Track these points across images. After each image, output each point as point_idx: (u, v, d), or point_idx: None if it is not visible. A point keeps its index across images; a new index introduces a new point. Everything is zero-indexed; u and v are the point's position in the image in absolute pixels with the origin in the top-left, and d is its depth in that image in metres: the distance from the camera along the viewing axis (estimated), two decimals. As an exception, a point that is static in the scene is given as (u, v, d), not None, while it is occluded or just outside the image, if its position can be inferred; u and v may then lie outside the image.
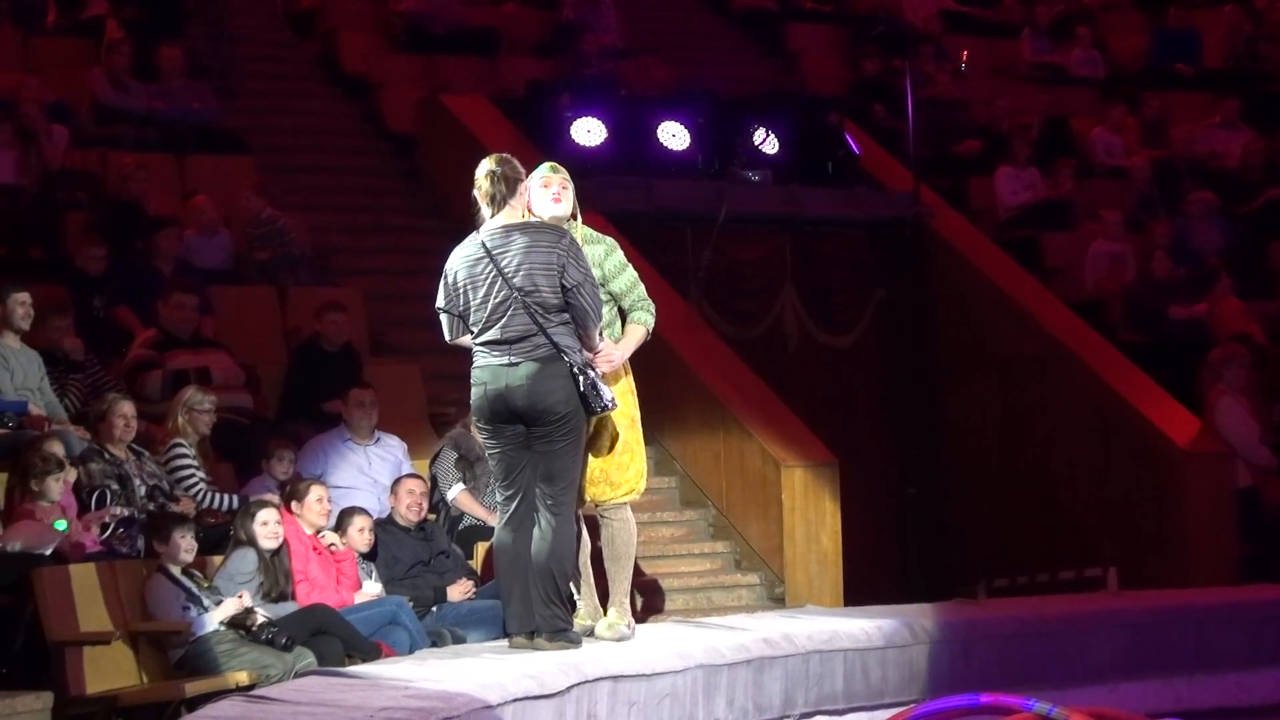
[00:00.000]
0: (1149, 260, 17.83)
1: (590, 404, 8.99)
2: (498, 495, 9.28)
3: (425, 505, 12.01)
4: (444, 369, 14.25)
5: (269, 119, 18.27)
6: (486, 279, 9.01)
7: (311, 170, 17.53)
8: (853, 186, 17.91)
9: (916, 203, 17.87)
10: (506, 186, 9.19)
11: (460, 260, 9.14)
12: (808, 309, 17.31)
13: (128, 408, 11.44)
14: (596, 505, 9.51)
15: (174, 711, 9.81)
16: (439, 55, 19.51)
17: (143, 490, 11.26)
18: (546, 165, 9.57)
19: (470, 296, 9.04)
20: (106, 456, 11.23)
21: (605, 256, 9.46)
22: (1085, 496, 16.33)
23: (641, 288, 9.52)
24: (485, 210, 9.19)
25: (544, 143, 16.76)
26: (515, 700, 7.89)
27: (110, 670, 10.10)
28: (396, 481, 12.08)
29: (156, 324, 13.42)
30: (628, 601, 9.56)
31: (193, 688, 9.95)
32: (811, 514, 14.20)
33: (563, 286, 8.97)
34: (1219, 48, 22.77)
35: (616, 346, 9.36)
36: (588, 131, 16.80)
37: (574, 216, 9.51)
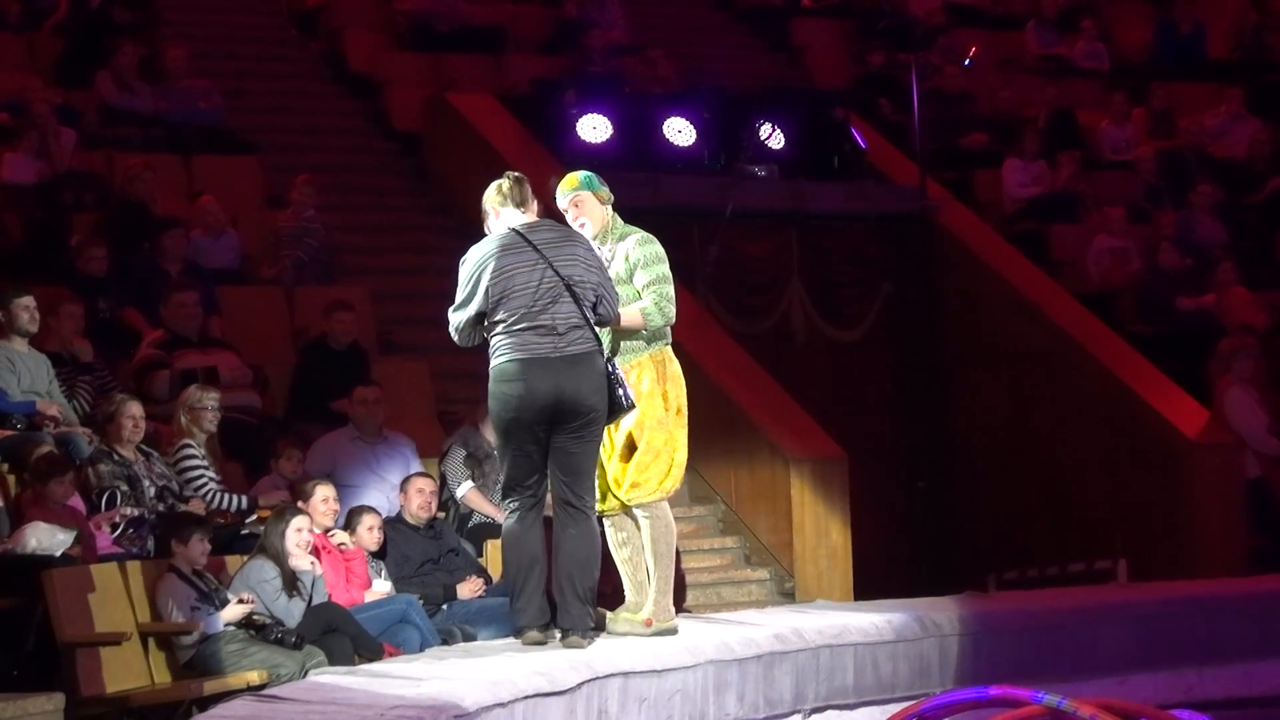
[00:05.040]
0: (1156, 251, 17.82)
1: (617, 403, 8.99)
2: (512, 495, 9.11)
3: (434, 503, 12.02)
4: (452, 367, 14.28)
5: (275, 118, 18.30)
6: (528, 266, 8.89)
7: (318, 169, 17.48)
8: (859, 181, 17.91)
9: (923, 196, 17.87)
10: (527, 192, 9.15)
11: (490, 252, 8.96)
12: (815, 303, 17.32)
13: (136, 409, 11.45)
14: (632, 505, 9.43)
15: (185, 711, 9.83)
16: (444, 53, 19.52)
17: (152, 491, 11.28)
18: (558, 191, 9.54)
19: (509, 284, 8.86)
20: (115, 458, 11.24)
21: (639, 245, 9.41)
22: (1094, 488, 16.32)
23: (667, 288, 9.37)
24: (506, 210, 9.11)
25: (550, 140, 16.81)
26: (526, 698, 7.90)
27: (121, 671, 10.11)
28: (405, 480, 12.08)
29: (163, 325, 13.44)
30: (665, 600, 9.46)
31: (204, 687, 9.98)
32: (820, 508, 14.20)
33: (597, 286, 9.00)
34: (1224, 38, 22.75)
35: None
36: (594, 128, 16.82)
37: (607, 202, 9.49)
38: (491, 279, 8.91)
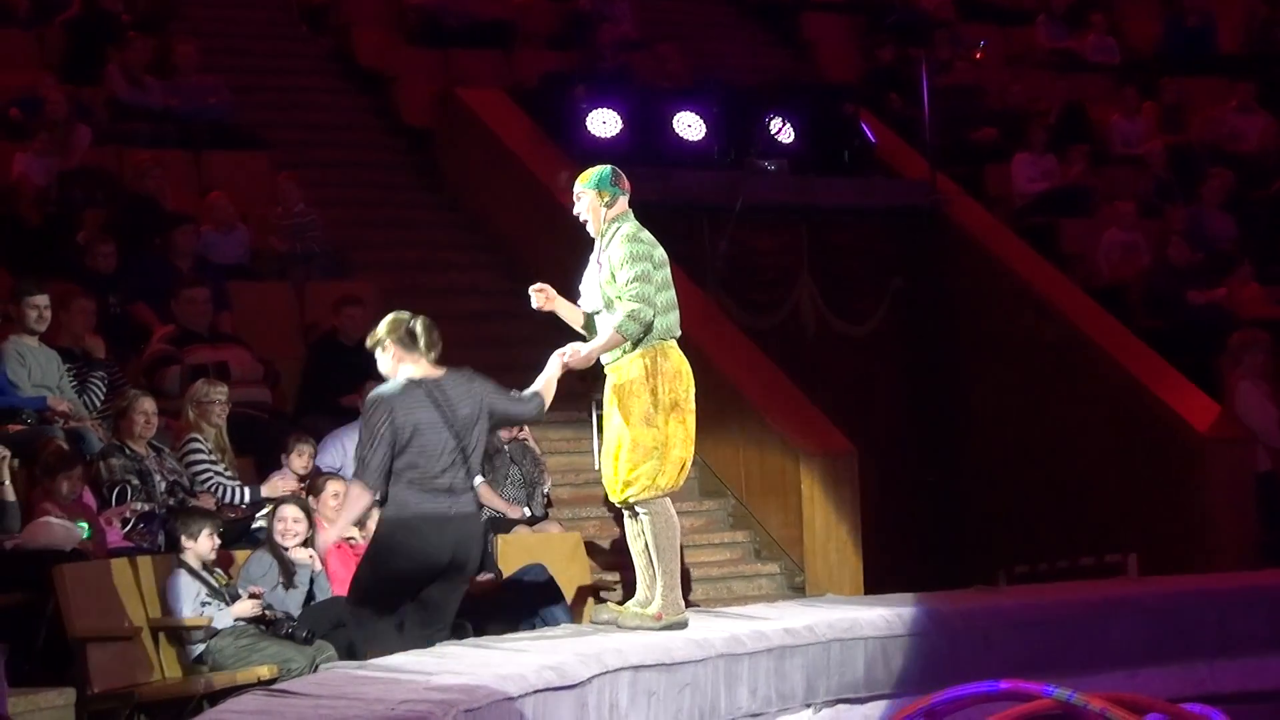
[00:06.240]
0: (1166, 246, 17.80)
1: (488, 557, 9.13)
2: (379, 621, 9.04)
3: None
4: (462, 363, 14.24)
5: (285, 114, 18.31)
6: (434, 426, 8.88)
7: (327, 165, 17.55)
8: (869, 175, 17.91)
9: (933, 191, 17.86)
10: (436, 338, 9.10)
11: (399, 405, 8.90)
12: (825, 298, 17.31)
13: (148, 404, 11.47)
14: (624, 503, 9.41)
15: (195, 706, 9.84)
16: (454, 48, 19.53)
17: (163, 486, 11.30)
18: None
19: (414, 441, 8.84)
20: (127, 452, 11.27)
21: (621, 242, 9.29)
22: (1105, 483, 16.30)
23: (643, 289, 9.16)
24: (412, 355, 9.04)
25: (560, 135, 16.81)
26: (536, 692, 7.89)
27: (131, 666, 10.14)
28: (415, 475, 12.07)
29: (173, 320, 13.47)
30: (673, 594, 9.42)
31: (214, 682, 9.99)
32: (831, 503, 14.20)
33: (494, 423, 9.18)
34: (1234, 32, 22.73)
35: (584, 345, 9.30)
36: (603, 123, 16.81)
37: (610, 205, 9.41)
38: (399, 432, 8.84)
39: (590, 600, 12.12)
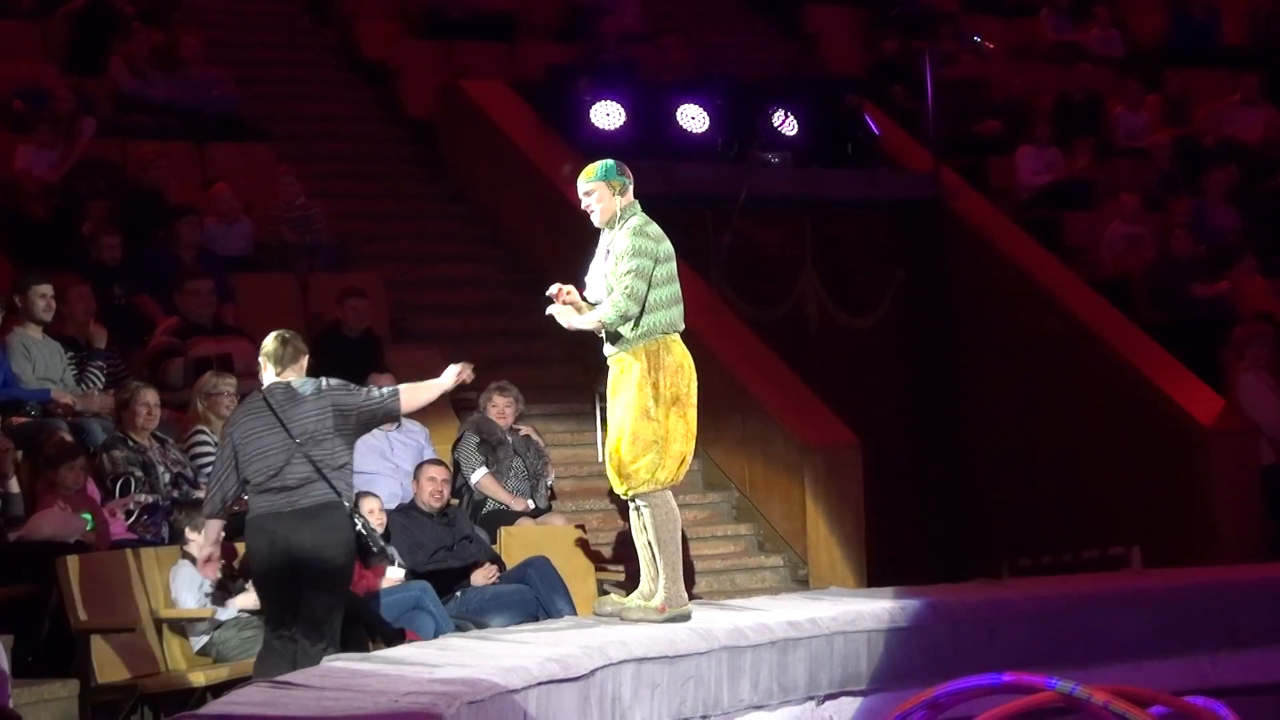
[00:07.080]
0: (1170, 239, 17.79)
1: (365, 549, 9.18)
2: (274, 631, 9.20)
3: (447, 491, 12.03)
4: (466, 355, 14.24)
5: (288, 106, 18.31)
6: (266, 429, 9.11)
7: (331, 157, 17.55)
8: (872, 168, 17.88)
9: (936, 183, 17.84)
10: (296, 350, 9.33)
11: (236, 418, 9.30)
12: (828, 291, 17.29)
13: (150, 396, 11.48)
14: (627, 495, 9.41)
15: (199, 698, 9.84)
16: (457, 40, 19.51)
17: (167, 477, 11.30)
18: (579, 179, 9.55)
19: (248, 449, 9.10)
20: (130, 444, 11.27)
21: (628, 234, 9.29)
22: (1108, 475, 16.29)
23: (635, 285, 9.19)
24: (269, 369, 9.31)
25: (563, 127, 16.79)
26: (539, 684, 7.89)
27: (135, 657, 10.15)
28: (418, 467, 12.10)
29: (177, 312, 13.47)
30: (676, 586, 9.42)
31: (217, 674, 10.01)
32: (834, 496, 14.20)
33: (356, 421, 9.22)
34: (1239, 25, 22.70)
35: (578, 317, 9.36)
36: (607, 115, 16.79)
37: (622, 194, 9.41)
38: (236, 444, 9.18)
39: (594, 592, 12.12)
